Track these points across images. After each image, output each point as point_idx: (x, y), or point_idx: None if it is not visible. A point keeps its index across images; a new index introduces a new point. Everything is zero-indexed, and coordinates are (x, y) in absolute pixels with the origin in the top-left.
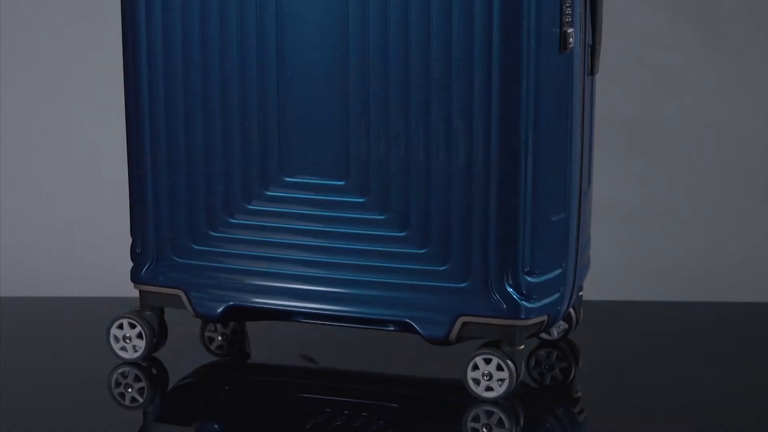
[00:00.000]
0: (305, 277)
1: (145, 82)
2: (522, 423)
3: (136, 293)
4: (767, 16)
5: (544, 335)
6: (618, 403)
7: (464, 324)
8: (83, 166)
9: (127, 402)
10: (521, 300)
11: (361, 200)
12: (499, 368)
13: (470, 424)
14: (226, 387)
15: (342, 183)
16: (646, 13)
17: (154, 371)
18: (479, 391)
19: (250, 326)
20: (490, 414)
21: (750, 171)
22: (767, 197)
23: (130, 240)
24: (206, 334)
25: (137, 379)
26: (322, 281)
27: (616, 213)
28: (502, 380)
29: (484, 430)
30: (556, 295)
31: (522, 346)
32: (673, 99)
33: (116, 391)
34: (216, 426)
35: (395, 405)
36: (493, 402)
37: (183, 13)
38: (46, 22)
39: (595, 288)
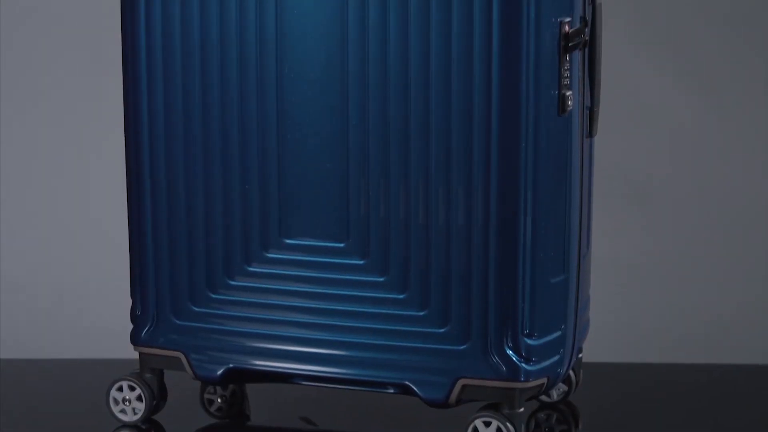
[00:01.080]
0: (305, 339)
1: (147, 146)
2: None
3: (136, 355)
4: (764, 76)
5: (543, 397)
6: None
7: (464, 386)
8: (83, 228)
9: None
10: (521, 362)
11: (361, 262)
12: (499, 431)
13: None
14: None
15: (342, 245)
16: (645, 73)
17: None
18: None
19: (250, 388)
20: None
21: (751, 229)
22: None
23: (130, 302)
24: (206, 396)
25: None
26: (321, 344)
27: (616, 271)
28: None
29: None
30: (556, 357)
31: (522, 409)
32: (673, 157)
33: None
34: None
35: None
36: None
37: (184, 76)
38: (49, 81)
39: (594, 349)
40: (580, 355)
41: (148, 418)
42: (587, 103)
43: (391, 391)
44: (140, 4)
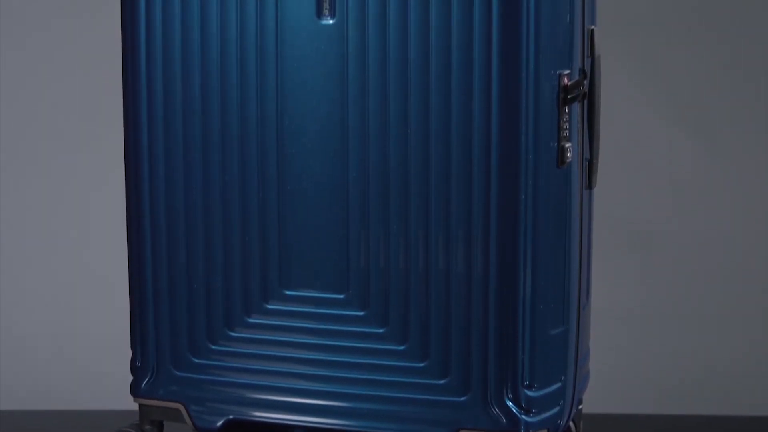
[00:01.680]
0: (305, 390)
1: (147, 196)
2: None
3: (136, 406)
4: (763, 127)
5: None
6: None
7: None
8: (84, 279)
9: None
10: (521, 414)
11: (361, 314)
12: None
13: None
14: None
15: (341, 296)
16: (644, 124)
17: None
18: None
19: None
20: None
21: (750, 280)
22: None
23: (129, 353)
24: None
25: None
26: (322, 395)
27: (616, 322)
28: None
29: None
30: (556, 409)
31: None
32: (674, 208)
33: None
34: None
35: None
36: None
37: (185, 127)
38: (46, 130)
39: (594, 400)
40: (580, 407)
41: None
42: (586, 155)
43: None
44: (141, 63)
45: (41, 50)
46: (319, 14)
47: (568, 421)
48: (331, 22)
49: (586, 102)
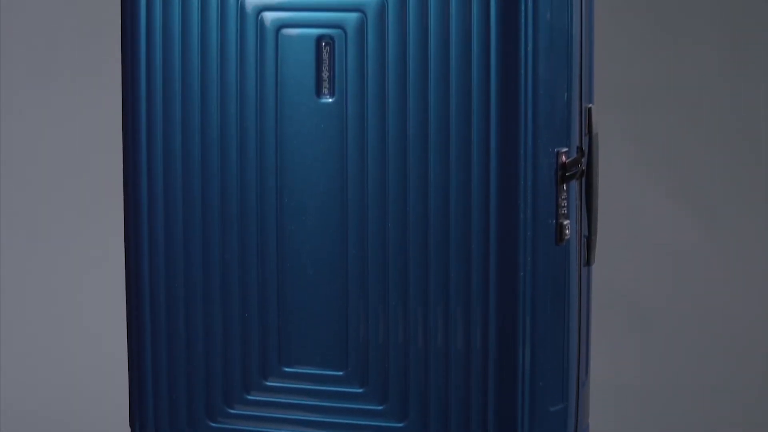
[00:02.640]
0: None
1: (147, 276)
2: None
3: None
4: (760, 196)
5: None
6: None
7: None
8: (83, 356)
9: None
10: None
11: (360, 390)
12: None
13: None
14: None
15: (341, 373)
16: (642, 201)
17: None
18: None
19: None
20: None
21: (750, 354)
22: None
23: (129, 431)
24: None
25: None
26: None
27: (615, 398)
28: None
29: None
30: None
31: None
32: (672, 283)
33: None
34: None
35: None
36: None
37: (185, 205)
38: (50, 206)
39: None
40: None
41: None
42: (585, 231)
43: None
44: (142, 143)
45: (40, 127)
46: (319, 93)
47: None
48: (330, 100)
49: (584, 179)
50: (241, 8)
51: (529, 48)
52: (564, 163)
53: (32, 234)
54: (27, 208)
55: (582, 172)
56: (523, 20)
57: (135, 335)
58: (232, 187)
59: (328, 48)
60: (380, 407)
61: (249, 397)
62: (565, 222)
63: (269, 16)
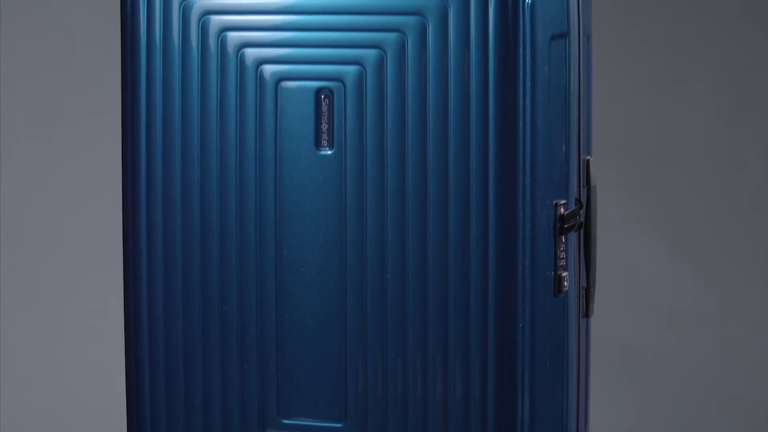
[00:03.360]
0: None
1: (146, 329)
2: None
3: None
4: (758, 249)
5: None
6: None
7: None
8: (80, 411)
9: None
10: None
11: None
12: None
13: None
14: None
15: (340, 425)
16: (641, 253)
17: None
18: None
19: None
20: None
21: (748, 408)
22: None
23: None
24: None
25: None
26: None
27: None
28: None
29: None
30: None
31: None
32: (670, 335)
33: None
34: None
35: None
36: None
37: (184, 260)
38: (48, 260)
39: None
40: None
41: None
42: (583, 283)
43: None
44: (141, 197)
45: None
46: (318, 145)
47: None
48: (329, 152)
49: (582, 231)
50: (241, 61)
51: (528, 101)
52: (562, 215)
53: (32, 291)
54: (26, 260)
55: (580, 224)
56: (521, 74)
57: (134, 389)
58: (231, 239)
59: (327, 100)
60: None
61: None
62: (564, 274)
63: (269, 69)
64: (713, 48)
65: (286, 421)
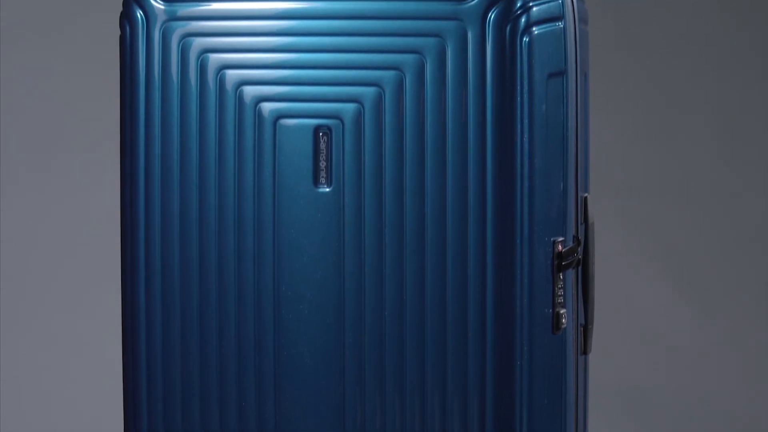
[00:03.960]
0: None
1: (143, 368)
2: None
3: None
4: (757, 285)
5: None
6: None
7: None
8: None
9: None
10: None
11: None
12: None
13: None
14: None
15: None
16: (638, 290)
17: None
18: None
19: None
20: None
21: None
22: None
23: None
24: None
25: None
26: None
27: None
28: None
29: None
30: None
31: None
32: (669, 372)
33: None
34: None
35: None
36: None
37: (182, 298)
38: (48, 294)
39: None
40: None
41: None
42: (581, 320)
43: None
44: (140, 233)
45: (37, 215)
46: (316, 182)
47: None
48: (327, 189)
49: (580, 268)
50: (240, 98)
51: (525, 139)
52: (560, 252)
53: (30, 321)
54: (25, 293)
55: (578, 261)
56: (519, 112)
57: (131, 426)
58: (230, 276)
59: (325, 138)
60: None
61: None
62: (562, 311)
63: (267, 107)
64: (712, 85)
65: None
